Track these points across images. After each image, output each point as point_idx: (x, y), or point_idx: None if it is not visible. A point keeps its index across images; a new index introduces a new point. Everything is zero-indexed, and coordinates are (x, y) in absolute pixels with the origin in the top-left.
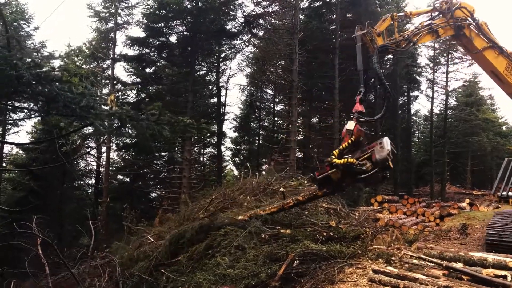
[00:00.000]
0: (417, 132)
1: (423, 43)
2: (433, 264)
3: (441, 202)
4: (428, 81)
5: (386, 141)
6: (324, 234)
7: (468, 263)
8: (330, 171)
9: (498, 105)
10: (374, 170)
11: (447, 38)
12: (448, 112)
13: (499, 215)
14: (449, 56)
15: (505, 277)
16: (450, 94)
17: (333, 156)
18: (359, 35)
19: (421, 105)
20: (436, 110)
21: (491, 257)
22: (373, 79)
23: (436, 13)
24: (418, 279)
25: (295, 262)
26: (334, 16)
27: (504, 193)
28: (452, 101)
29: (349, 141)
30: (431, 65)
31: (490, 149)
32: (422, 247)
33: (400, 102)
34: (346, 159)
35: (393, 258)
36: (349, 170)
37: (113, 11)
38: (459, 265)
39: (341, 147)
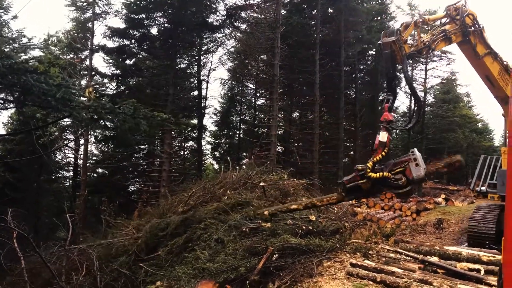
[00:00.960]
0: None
1: (439, 49)
2: (409, 258)
3: (417, 197)
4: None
5: (420, 157)
6: (304, 228)
7: (443, 257)
8: (361, 181)
9: (474, 103)
10: (409, 187)
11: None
12: (426, 108)
13: (480, 207)
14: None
15: (478, 270)
16: (428, 91)
17: (368, 170)
18: (388, 42)
19: (400, 102)
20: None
21: (465, 251)
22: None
23: (447, 19)
24: (394, 273)
25: (274, 256)
26: (315, 11)
27: (483, 188)
28: (430, 98)
29: (383, 153)
30: (410, 62)
31: (465, 146)
32: (399, 241)
33: (380, 98)
34: (381, 173)
35: (370, 252)
36: (383, 184)
37: (90, 0)
38: (434, 259)
39: (374, 159)
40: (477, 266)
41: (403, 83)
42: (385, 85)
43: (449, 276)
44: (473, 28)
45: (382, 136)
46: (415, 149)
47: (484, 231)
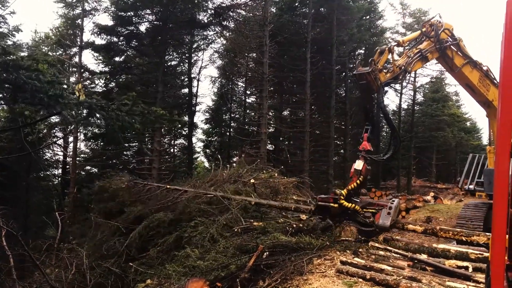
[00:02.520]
0: (385, 126)
1: (415, 70)
2: (398, 256)
3: (407, 195)
4: None
5: (396, 207)
6: (294, 226)
7: (432, 254)
8: (332, 204)
9: (463, 102)
10: (372, 228)
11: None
12: (415, 107)
13: (468, 206)
14: None
15: (466, 268)
16: (417, 90)
17: (342, 197)
18: (363, 73)
19: (390, 100)
20: (404, 105)
21: (453, 248)
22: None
23: (422, 37)
24: (384, 270)
25: (265, 253)
26: (307, 9)
27: (471, 186)
28: (420, 97)
29: (358, 181)
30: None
31: (454, 144)
32: (388, 239)
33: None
34: (353, 205)
35: (360, 250)
36: (351, 215)
37: None
38: (423, 257)
39: (349, 187)
40: (465, 264)
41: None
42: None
43: (438, 274)
44: (449, 43)
45: (358, 164)
46: (397, 200)
47: (472, 228)
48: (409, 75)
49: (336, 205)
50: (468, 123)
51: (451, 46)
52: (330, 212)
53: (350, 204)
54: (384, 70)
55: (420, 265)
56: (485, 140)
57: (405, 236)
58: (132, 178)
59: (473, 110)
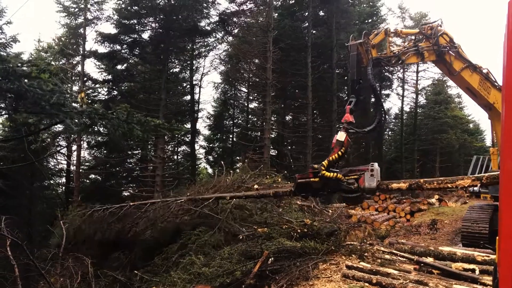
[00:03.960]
0: (388, 130)
1: (410, 63)
2: (404, 259)
3: (411, 198)
4: (399, 79)
5: (377, 169)
6: (299, 231)
7: (438, 257)
8: (312, 179)
9: (465, 104)
10: (359, 193)
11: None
12: (418, 110)
13: (473, 208)
14: None
15: (473, 270)
16: (420, 92)
17: (322, 168)
18: (355, 44)
19: (392, 103)
20: (407, 108)
21: (459, 251)
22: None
23: (421, 36)
24: (390, 274)
25: (270, 259)
26: (306, 14)
27: (475, 188)
28: (422, 100)
29: (339, 152)
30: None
31: (457, 146)
32: (394, 243)
33: (372, 100)
34: (335, 174)
35: (366, 254)
36: (335, 185)
37: (82, 6)
38: (429, 260)
39: (330, 158)
40: (472, 266)
41: (395, 84)
42: (377, 86)
43: (444, 277)
44: (447, 49)
45: (340, 136)
46: (376, 163)
47: (477, 231)
48: (402, 65)
49: (316, 179)
50: (471, 125)
51: (450, 51)
52: (311, 188)
53: (332, 174)
54: (378, 49)
55: (427, 268)
56: (488, 141)
57: (410, 239)
58: (90, 205)
59: (476, 112)
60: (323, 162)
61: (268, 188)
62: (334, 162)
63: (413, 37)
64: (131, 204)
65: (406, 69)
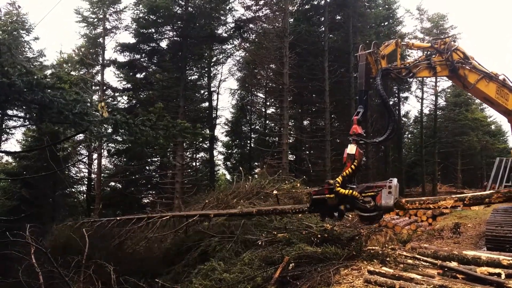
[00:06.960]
0: (407, 133)
1: (421, 77)
2: (427, 264)
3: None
4: (417, 81)
5: (395, 186)
6: (319, 236)
7: (462, 262)
8: (328, 195)
9: (486, 105)
10: (375, 212)
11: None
12: (437, 112)
13: (498, 211)
14: None
15: (499, 274)
16: (439, 94)
17: (337, 184)
18: (364, 54)
19: (411, 106)
20: (426, 111)
21: (484, 255)
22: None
23: (433, 51)
24: (413, 279)
25: (291, 265)
26: (322, 18)
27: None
28: (442, 102)
29: (352, 166)
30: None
31: (479, 148)
32: (416, 247)
33: (391, 103)
34: (351, 191)
35: (388, 259)
36: (350, 202)
37: (101, 16)
38: (453, 264)
39: (344, 173)
40: (497, 270)
41: (413, 87)
42: (395, 89)
43: (469, 281)
44: (461, 64)
45: (350, 149)
46: (395, 179)
47: (503, 234)
48: (413, 78)
49: (332, 195)
50: (493, 126)
51: (464, 65)
52: (326, 205)
53: (347, 191)
54: (388, 61)
55: (451, 273)
56: (511, 143)
57: (433, 244)
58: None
59: (497, 113)
60: (337, 179)
61: (288, 193)
62: (348, 177)
63: (424, 52)
64: (118, 218)
65: None
